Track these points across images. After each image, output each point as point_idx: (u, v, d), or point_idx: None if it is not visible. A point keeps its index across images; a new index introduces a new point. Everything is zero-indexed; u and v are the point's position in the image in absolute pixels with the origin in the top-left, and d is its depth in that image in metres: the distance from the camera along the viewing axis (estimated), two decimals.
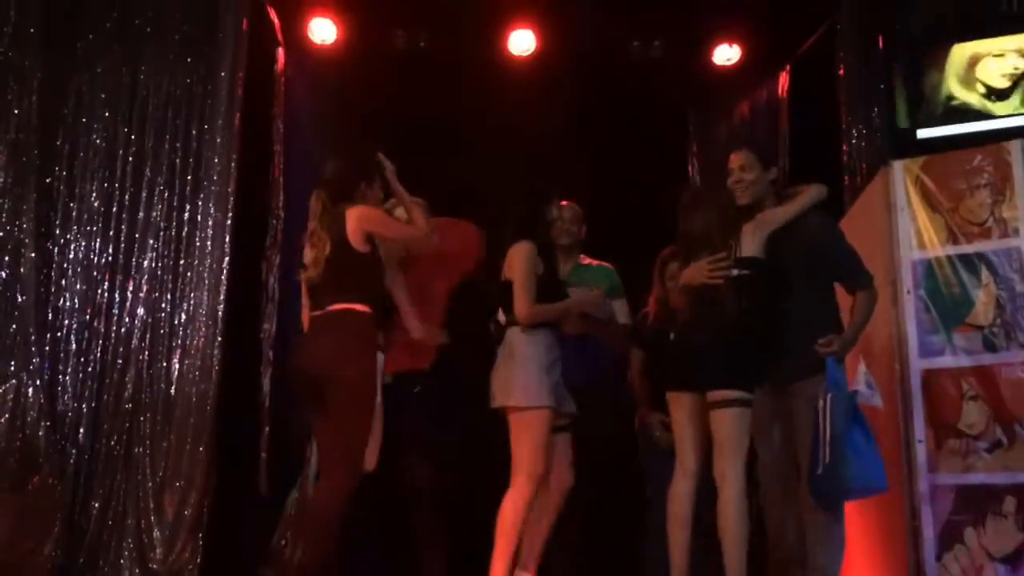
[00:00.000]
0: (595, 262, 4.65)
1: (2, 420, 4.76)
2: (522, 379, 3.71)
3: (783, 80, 5.94)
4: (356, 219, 3.56)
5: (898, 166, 4.09)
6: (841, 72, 5.16)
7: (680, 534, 3.52)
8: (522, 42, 5.97)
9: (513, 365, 3.75)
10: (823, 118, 5.31)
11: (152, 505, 4.88)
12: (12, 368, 4.87)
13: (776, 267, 3.59)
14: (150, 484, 4.92)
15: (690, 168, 6.44)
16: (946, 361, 3.88)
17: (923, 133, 4.20)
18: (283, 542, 5.62)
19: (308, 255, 3.65)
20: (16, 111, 5.09)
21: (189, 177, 5.27)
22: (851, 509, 3.63)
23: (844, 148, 5.06)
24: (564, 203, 4.39)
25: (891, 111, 4.45)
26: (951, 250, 3.95)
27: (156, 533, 4.86)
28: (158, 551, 4.83)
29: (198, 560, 4.83)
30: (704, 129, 6.47)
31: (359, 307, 3.53)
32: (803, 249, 3.59)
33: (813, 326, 3.51)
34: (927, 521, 3.78)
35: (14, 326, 4.92)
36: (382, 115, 5.90)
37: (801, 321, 3.55)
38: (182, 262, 5.19)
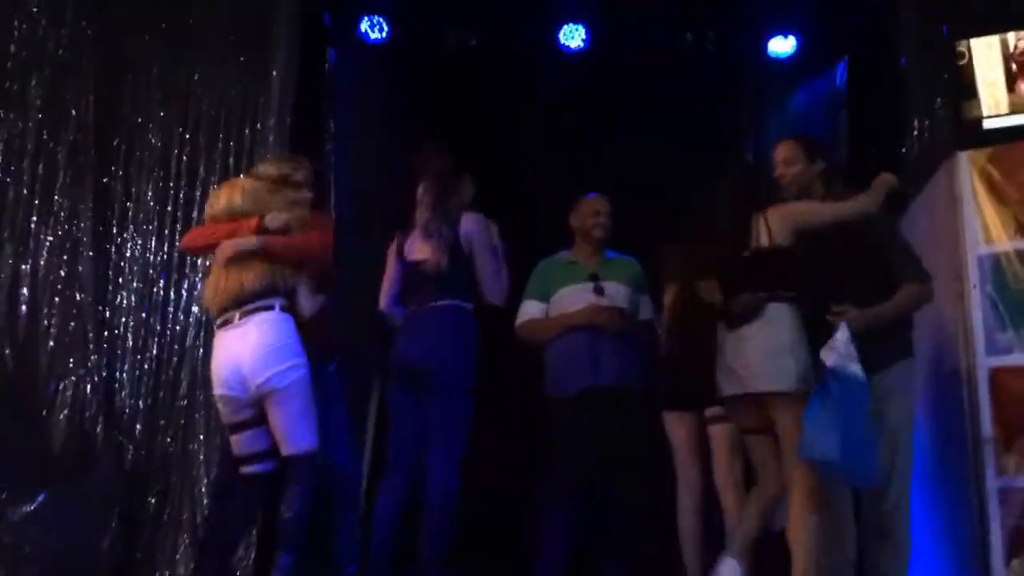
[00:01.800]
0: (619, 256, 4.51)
1: (61, 416, 4.84)
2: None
3: (841, 71, 5.79)
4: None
5: (963, 158, 3.96)
6: (903, 61, 5.02)
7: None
8: (573, 37, 5.92)
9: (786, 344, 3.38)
10: (884, 110, 5.17)
11: (206, 501, 4.92)
12: (71, 365, 4.94)
13: (815, 259, 3.43)
14: (205, 480, 4.96)
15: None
16: (1015, 359, 3.74)
17: (989, 123, 4.04)
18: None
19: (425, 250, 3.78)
20: (74, 111, 5.18)
21: (241, 175, 5.30)
22: (917, 511, 3.52)
23: (906, 140, 4.92)
24: (595, 196, 4.34)
25: (955, 101, 4.30)
26: (1019, 244, 3.80)
27: None
28: None
29: (252, 556, 4.85)
30: (759, 123, 6.35)
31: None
32: (855, 243, 3.46)
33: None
34: (996, 524, 3.64)
35: (72, 324, 5.00)
36: (432, 113, 5.88)
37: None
38: None
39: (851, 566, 3.47)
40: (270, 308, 3.46)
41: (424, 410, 3.71)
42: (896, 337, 3.49)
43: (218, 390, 3.53)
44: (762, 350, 3.26)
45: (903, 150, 4.92)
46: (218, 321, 3.56)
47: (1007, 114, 4.03)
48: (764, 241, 3.36)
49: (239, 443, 3.52)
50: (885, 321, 3.42)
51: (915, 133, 4.84)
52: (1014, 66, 4.03)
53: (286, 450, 3.44)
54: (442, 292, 3.72)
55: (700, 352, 3.53)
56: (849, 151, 5.49)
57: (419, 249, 3.81)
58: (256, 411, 3.49)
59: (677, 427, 3.90)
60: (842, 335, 3.20)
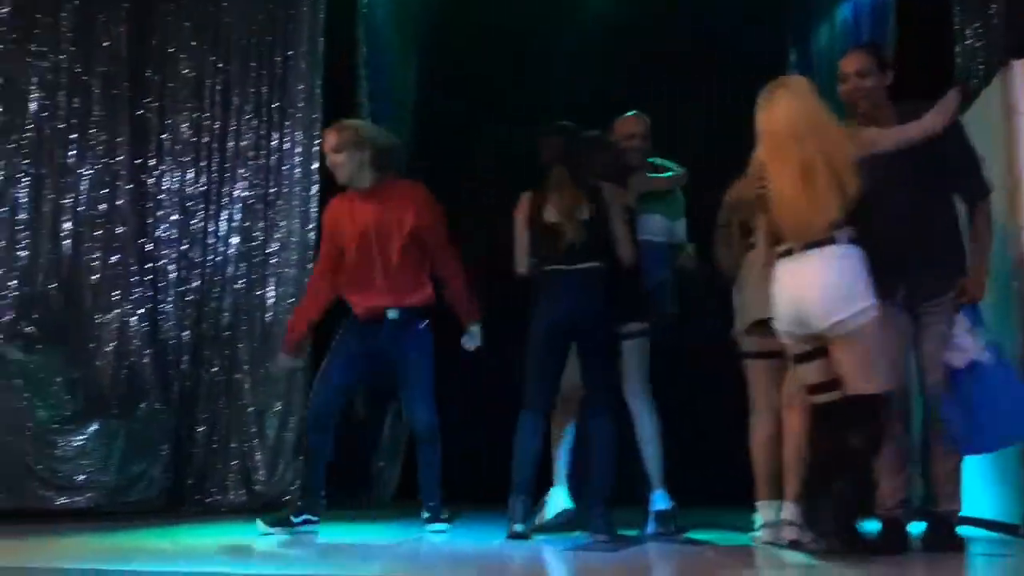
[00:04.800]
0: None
1: (109, 348, 4.93)
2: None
3: None
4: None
5: (1018, 66, 3.78)
6: None
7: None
8: None
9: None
10: (934, 17, 4.95)
11: (254, 429, 5.01)
12: (115, 298, 5.01)
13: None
14: (251, 409, 5.05)
15: None
16: None
17: None
18: (381, 464, 5.75)
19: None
20: (105, 43, 5.15)
21: (275, 105, 5.28)
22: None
23: (957, 49, 4.71)
24: (630, 116, 4.25)
25: (1009, 6, 4.09)
26: None
27: (259, 456, 5.00)
28: (261, 473, 4.98)
29: (299, 482, 4.95)
30: (803, 36, 6.13)
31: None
32: (922, 154, 3.30)
33: (934, 243, 3.27)
34: None
35: (115, 257, 5.05)
36: (461, 33, 5.77)
37: (922, 238, 3.26)
38: (272, 190, 5.24)
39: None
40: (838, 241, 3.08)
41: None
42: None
43: (779, 325, 3.21)
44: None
45: (955, 59, 4.72)
46: (780, 249, 3.21)
47: None
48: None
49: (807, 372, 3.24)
50: (988, 255, 3.32)
51: (967, 41, 4.63)
52: None
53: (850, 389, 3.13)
54: (579, 256, 3.79)
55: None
56: (897, 60, 5.28)
57: (555, 214, 3.82)
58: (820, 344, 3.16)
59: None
60: (959, 327, 3.21)
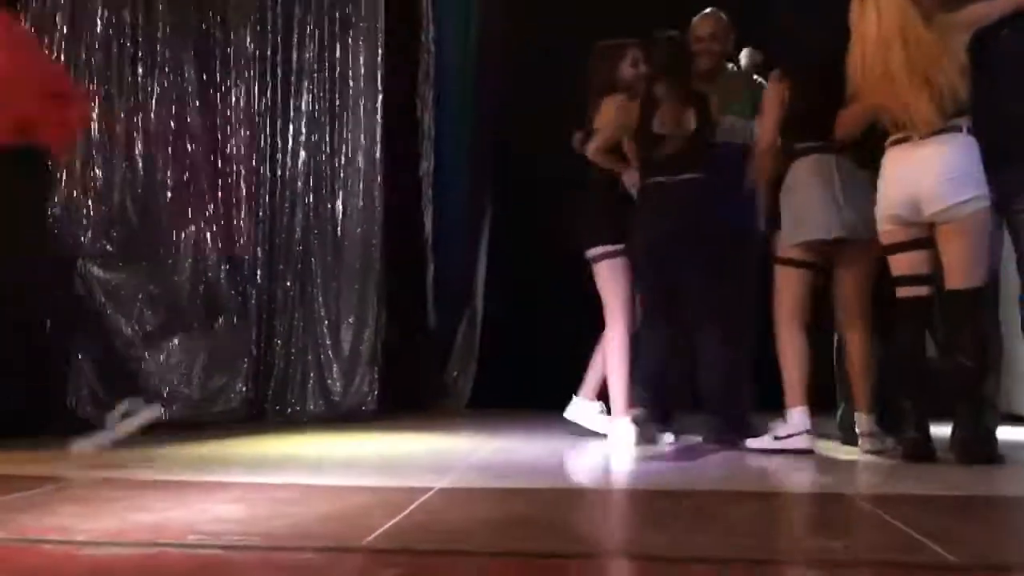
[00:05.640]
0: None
1: (186, 265, 5.02)
2: None
3: None
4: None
5: None
6: None
7: None
8: None
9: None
10: None
11: (329, 342, 5.10)
12: (190, 215, 5.07)
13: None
14: (326, 322, 5.12)
15: None
16: None
17: None
18: (455, 373, 5.82)
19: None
20: None
21: (337, 15, 5.20)
22: None
23: None
24: (705, 15, 4.10)
25: None
26: None
27: (335, 368, 5.09)
28: (338, 384, 5.08)
29: (375, 392, 5.05)
30: None
31: None
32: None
33: None
34: None
35: (187, 175, 5.10)
36: None
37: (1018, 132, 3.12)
38: (337, 103, 5.20)
39: None
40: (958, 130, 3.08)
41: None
42: None
43: (886, 211, 3.19)
44: None
45: None
46: (896, 136, 3.18)
47: None
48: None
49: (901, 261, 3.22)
50: None
51: None
52: None
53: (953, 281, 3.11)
54: (688, 166, 3.74)
55: None
56: None
57: (662, 125, 3.75)
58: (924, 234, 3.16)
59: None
60: None
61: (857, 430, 3.50)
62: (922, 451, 3.12)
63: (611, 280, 3.94)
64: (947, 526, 2.04)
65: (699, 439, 3.88)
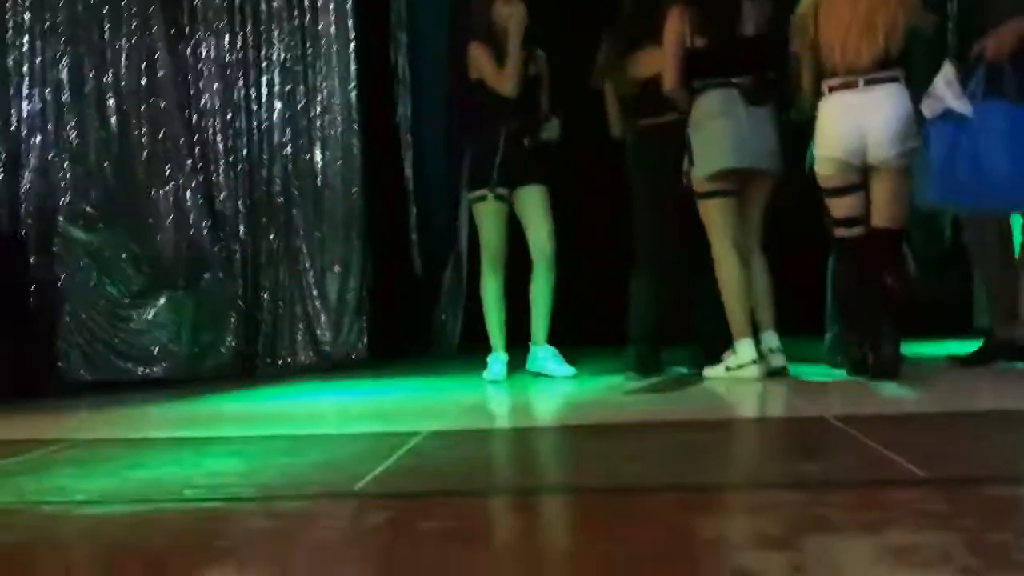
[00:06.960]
0: None
1: (167, 223, 5.00)
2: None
3: None
4: None
5: None
6: None
7: None
8: None
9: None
10: None
11: (316, 292, 5.11)
12: (168, 172, 5.05)
13: None
14: (312, 273, 5.12)
15: None
16: None
17: None
18: (443, 317, 5.85)
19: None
20: None
21: None
22: None
23: None
24: None
25: None
26: None
27: (323, 318, 5.11)
28: (327, 334, 5.10)
29: (364, 340, 5.08)
30: None
31: None
32: None
33: None
34: None
35: (162, 131, 5.05)
36: None
37: None
38: (310, 51, 5.13)
39: None
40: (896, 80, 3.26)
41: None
42: None
43: (830, 152, 3.33)
44: None
45: None
46: (836, 81, 3.31)
47: None
48: None
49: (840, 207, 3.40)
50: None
51: None
52: None
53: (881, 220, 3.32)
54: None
55: None
56: None
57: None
58: (861, 179, 3.34)
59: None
60: (940, 79, 3.09)
61: (764, 347, 3.58)
62: (883, 369, 3.24)
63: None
64: (910, 442, 2.10)
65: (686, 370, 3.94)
